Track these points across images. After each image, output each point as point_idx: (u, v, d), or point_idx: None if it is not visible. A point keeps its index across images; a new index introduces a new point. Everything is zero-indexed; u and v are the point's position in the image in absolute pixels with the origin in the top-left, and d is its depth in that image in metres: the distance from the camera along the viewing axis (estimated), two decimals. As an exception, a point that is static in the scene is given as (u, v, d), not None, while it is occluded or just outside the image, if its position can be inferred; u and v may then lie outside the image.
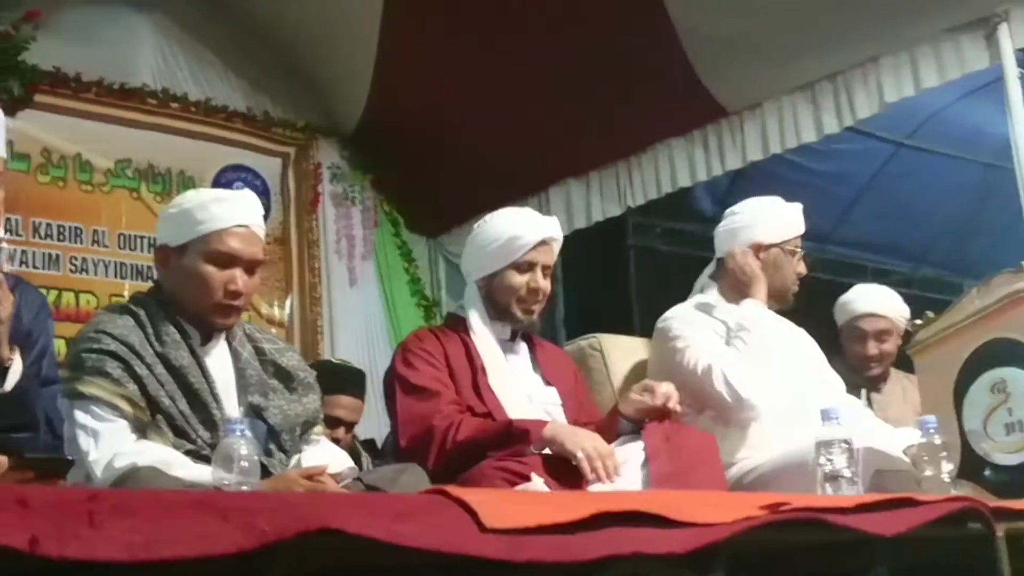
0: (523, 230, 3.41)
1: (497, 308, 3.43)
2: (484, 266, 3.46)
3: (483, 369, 3.35)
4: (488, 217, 3.54)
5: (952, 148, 8.89)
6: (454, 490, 1.48)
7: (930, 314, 3.70)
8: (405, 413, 3.29)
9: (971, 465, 3.33)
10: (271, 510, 1.25)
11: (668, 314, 3.90)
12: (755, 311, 3.76)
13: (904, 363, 4.47)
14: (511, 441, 3.09)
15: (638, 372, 3.95)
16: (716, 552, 1.63)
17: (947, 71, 5.62)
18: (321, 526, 1.27)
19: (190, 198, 3.05)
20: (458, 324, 3.49)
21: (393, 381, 3.39)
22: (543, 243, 3.42)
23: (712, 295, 3.94)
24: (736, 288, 3.86)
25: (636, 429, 3.23)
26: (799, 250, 3.98)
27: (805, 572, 2.12)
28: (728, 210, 4.11)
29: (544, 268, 3.42)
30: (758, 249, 3.87)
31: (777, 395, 3.63)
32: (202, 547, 1.20)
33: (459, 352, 3.38)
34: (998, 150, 7.98)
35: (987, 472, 3.30)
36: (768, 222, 3.93)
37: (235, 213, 2.95)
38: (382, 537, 1.31)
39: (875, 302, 4.85)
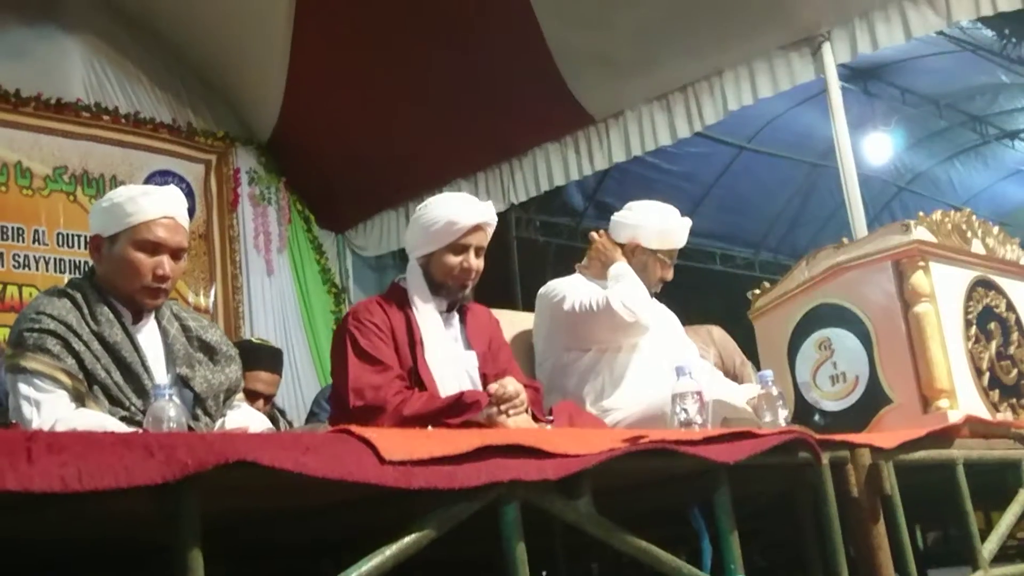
0: (459, 215, 3.32)
1: (433, 284, 3.35)
2: (423, 245, 3.37)
3: (421, 342, 3.27)
4: (429, 200, 3.45)
5: (785, 150, 9.10)
6: (356, 429, 1.47)
7: (766, 284, 3.77)
8: (357, 380, 3.16)
9: (803, 411, 3.40)
10: (191, 446, 1.23)
11: (548, 284, 3.91)
12: (623, 269, 3.79)
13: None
14: (461, 412, 3.02)
15: (518, 336, 3.97)
16: (583, 479, 1.65)
17: (780, 82, 5.75)
18: (237, 458, 1.25)
19: (120, 192, 2.99)
20: (401, 296, 3.38)
21: (345, 340, 3.26)
22: (477, 227, 3.34)
23: (577, 277, 3.96)
24: (600, 268, 3.88)
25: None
26: (671, 261, 3.94)
27: (661, 498, 2.16)
28: (628, 203, 4.05)
29: (477, 249, 3.35)
30: (635, 249, 3.88)
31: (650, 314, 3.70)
32: (130, 478, 1.18)
33: (401, 324, 3.30)
34: (822, 152, 8.22)
35: (816, 417, 3.38)
36: (651, 229, 3.89)
37: (161, 205, 2.90)
38: (291, 467, 1.30)
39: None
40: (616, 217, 4.00)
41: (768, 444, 1.98)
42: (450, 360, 3.31)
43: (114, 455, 1.19)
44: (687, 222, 3.97)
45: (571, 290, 3.77)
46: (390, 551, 1.42)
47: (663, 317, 4.05)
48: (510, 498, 1.55)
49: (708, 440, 1.89)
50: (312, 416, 4.86)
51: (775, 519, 2.66)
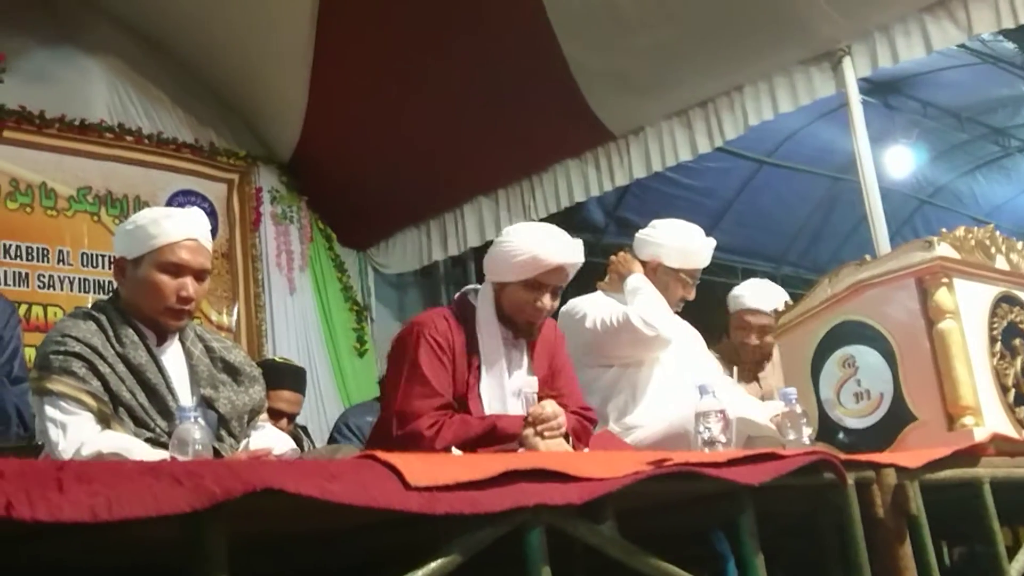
0: (546, 252, 3.13)
1: (502, 313, 3.22)
2: (500, 273, 3.21)
3: (479, 369, 3.18)
4: (516, 229, 3.30)
5: (806, 164, 9.08)
6: (381, 454, 1.48)
7: (789, 302, 3.76)
8: (403, 402, 3.08)
9: (827, 429, 3.38)
10: (219, 474, 1.24)
11: (568, 303, 3.91)
12: (640, 280, 3.79)
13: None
14: (495, 442, 2.97)
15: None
16: (607, 503, 1.65)
17: (800, 97, 5.75)
18: (264, 486, 1.26)
19: (144, 215, 3.01)
20: (469, 314, 3.26)
21: (405, 354, 3.17)
22: (560, 267, 3.15)
23: (598, 295, 3.96)
24: (619, 282, 3.88)
25: None
26: (693, 281, 3.93)
27: (684, 519, 2.16)
28: (652, 222, 4.05)
29: (554, 290, 3.19)
30: (656, 267, 3.88)
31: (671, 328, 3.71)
32: (158, 507, 1.18)
33: (463, 345, 3.18)
34: (842, 165, 8.19)
35: (840, 435, 3.35)
36: (674, 248, 3.88)
37: (184, 227, 2.92)
38: (316, 495, 1.30)
39: (761, 299, 4.51)
40: (640, 235, 4.01)
41: (793, 465, 1.98)
42: (505, 388, 3.21)
43: (143, 484, 1.20)
44: (711, 242, 3.97)
45: (592, 307, 3.78)
46: (415, 577, 1.43)
47: (685, 334, 4.05)
48: (535, 523, 1.56)
49: (732, 462, 1.89)
50: (332, 441, 4.84)
51: (798, 539, 2.65)
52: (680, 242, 3.92)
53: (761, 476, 1.88)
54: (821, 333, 3.47)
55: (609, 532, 1.66)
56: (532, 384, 3.19)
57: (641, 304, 3.69)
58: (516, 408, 3.18)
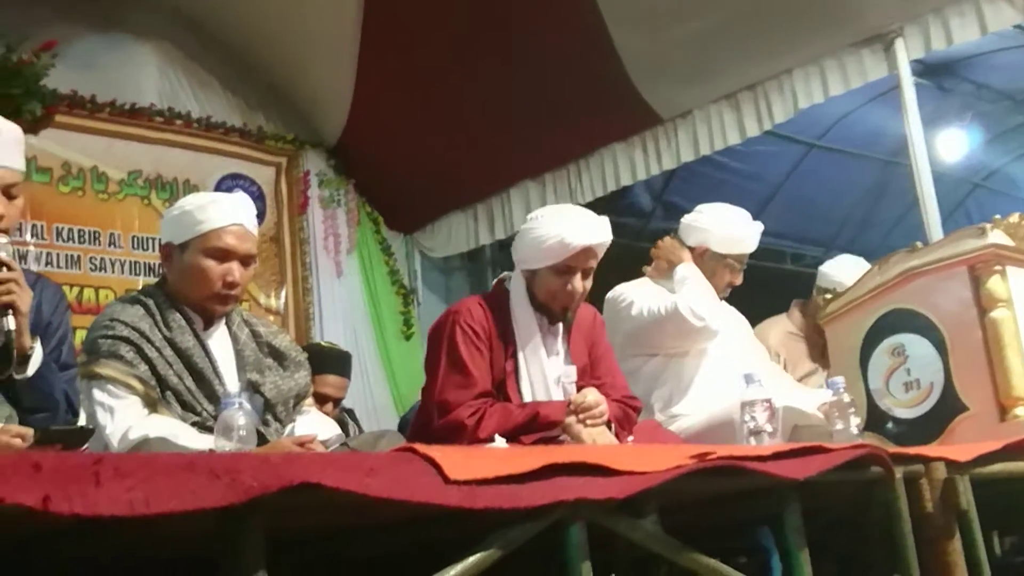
0: (572, 234, 3.09)
1: (535, 300, 3.20)
2: (528, 260, 3.19)
3: (515, 357, 3.16)
4: (542, 212, 3.28)
5: (855, 148, 8.94)
6: (420, 447, 1.47)
7: (838, 289, 3.71)
8: (442, 392, 3.08)
9: (875, 419, 3.35)
10: (256, 468, 1.23)
11: (615, 289, 3.87)
12: (689, 269, 3.74)
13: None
14: (537, 430, 2.96)
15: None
16: (649, 497, 1.63)
17: (851, 80, 5.66)
18: (301, 481, 1.25)
19: (190, 201, 3.03)
20: (504, 300, 3.23)
21: (442, 344, 3.15)
22: (586, 249, 3.12)
23: (644, 281, 3.92)
24: (666, 269, 3.84)
25: None
26: (740, 266, 3.87)
27: (728, 513, 2.13)
28: (698, 207, 4.00)
29: (585, 271, 3.16)
30: (703, 253, 3.83)
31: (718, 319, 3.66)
32: (195, 501, 1.18)
33: (499, 332, 3.17)
34: (894, 149, 8.06)
35: (889, 425, 3.32)
36: (722, 234, 3.83)
37: (230, 213, 2.93)
38: (355, 489, 1.29)
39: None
40: (686, 220, 3.96)
41: (839, 460, 1.94)
42: (546, 375, 3.20)
43: (180, 479, 1.19)
44: (758, 227, 3.91)
45: (638, 295, 3.74)
46: (454, 571, 1.41)
47: (732, 321, 4.00)
48: (575, 517, 1.53)
49: (777, 456, 1.85)
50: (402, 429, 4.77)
51: (845, 531, 2.61)
52: (727, 227, 3.86)
53: (807, 471, 1.84)
54: (870, 322, 3.43)
55: (651, 527, 1.64)
56: (570, 373, 3.20)
57: (689, 294, 3.64)
58: (557, 395, 3.16)
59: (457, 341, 3.12)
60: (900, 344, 3.33)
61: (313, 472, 1.27)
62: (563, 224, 3.13)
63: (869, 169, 9.27)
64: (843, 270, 4.39)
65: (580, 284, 3.15)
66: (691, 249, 3.87)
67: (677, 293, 3.68)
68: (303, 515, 1.42)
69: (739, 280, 3.90)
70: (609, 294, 3.85)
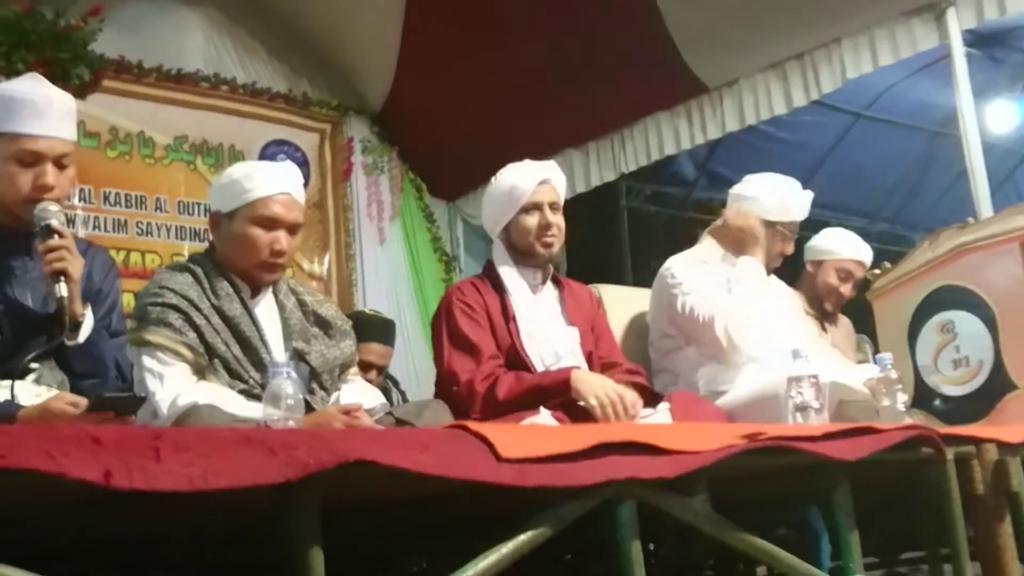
0: (522, 177, 3.35)
1: (521, 252, 3.34)
2: (499, 219, 3.38)
3: (515, 319, 3.26)
4: (492, 178, 3.46)
5: (903, 118, 8.83)
6: (473, 425, 1.47)
7: (887, 264, 3.67)
8: (450, 365, 3.19)
9: (922, 396, 3.32)
10: (312, 445, 1.24)
11: (670, 263, 3.80)
12: (752, 268, 3.69)
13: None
14: (549, 396, 3.02)
15: (634, 319, 3.92)
16: (699, 476, 1.62)
17: (901, 50, 5.57)
18: (357, 458, 1.26)
19: (237, 169, 3.04)
20: (493, 275, 3.39)
21: (442, 324, 3.29)
22: (543, 183, 3.34)
23: (711, 247, 3.87)
24: (736, 244, 3.78)
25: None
26: (791, 234, 3.82)
27: (777, 491, 2.12)
28: (747, 176, 3.95)
29: (551, 205, 3.33)
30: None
31: (760, 344, 3.57)
32: (253, 477, 1.19)
33: (495, 303, 3.29)
34: (942, 120, 7.95)
35: (936, 402, 3.29)
36: (772, 202, 3.77)
37: (277, 182, 2.94)
38: (409, 467, 1.30)
39: (865, 253, 4.17)
40: (734, 190, 3.91)
41: (890, 441, 1.92)
42: (548, 335, 3.29)
43: (237, 454, 1.20)
44: (807, 195, 3.85)
45: (688, 282, 3.65)
46: (506, 549, 1.41)
47: (781, 295, 3.96)
48: (625, 496, 1.53)
49: (828, 436, 1.84)
50: None
51: (896, 511, 2.59)
52: (777, 195, 3.80)
53: (857, 451, 1.83)
54: (919, 298, 3.40)
55: (701, 507, 1.64)
56: (572, 334, 3.32)
57: (732, 309, 3.56)
58: (565, 357, 3.24)
59: (455, 317, 3.24)
60: (949, 321, 3.30)
61: (368, 449, 1.27)
62: (513, 172, 3.38)
63: (916, 140, 9.17)
64: (834, 240, 4.26)
65: (553, 217, 3.31)
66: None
67: (721, 302, 3.59)
68: (356, 489, 1.42)
69: (790, 249, 3.84)
70: (663, 267, 3.80)
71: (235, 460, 1.20)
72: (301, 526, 1.26)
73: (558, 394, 3.02)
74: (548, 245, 3.33)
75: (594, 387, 3.00)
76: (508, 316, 3.27)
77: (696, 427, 2.40)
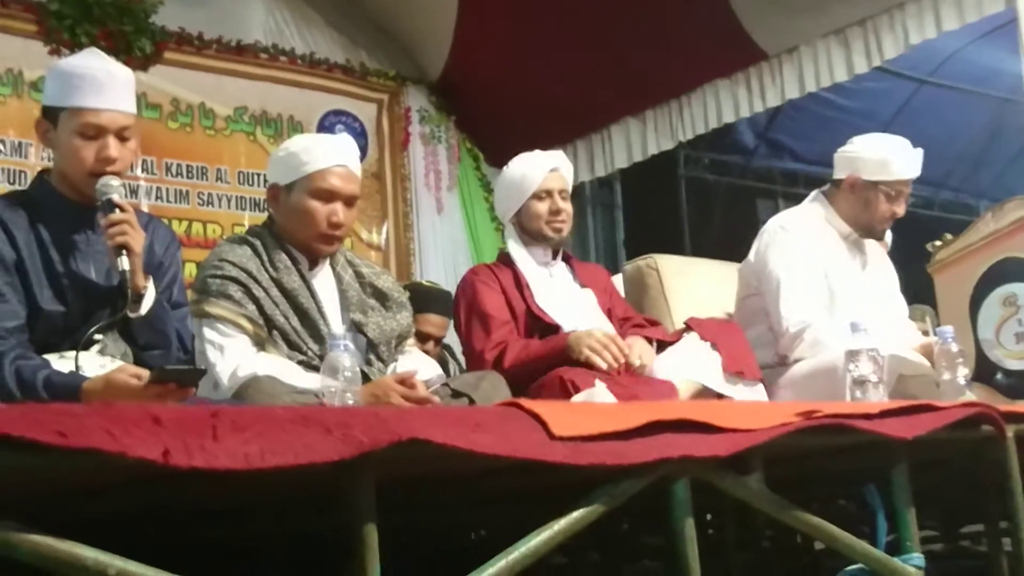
0: (531, 166, 3.50)
1: (532, 235, 3.50)
2: (511, 205, 3.53)
3: (528, 287, 3.41)
4: (504, 168, 3.62)
5: (969, 85, 8.65)
6: (526, 403, 1.47)
7: (948, 236, 3.60)
8: (469, 339, 3.39)
9: (984, 370, 3.26)
10: (367, 424, 1.25)
11: (782, 222, 3.74)
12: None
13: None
14: (553, 363, 3.11)
15: (691, 289, 3.90)
16: (754, 454, 1.61)
17: (967, 14, 5.45)
18: (411, 436, 1.26)
19: (296, 142, 3.07)
20: (506, 258, 3.57)
21: (460, 308, 3.47)
22: (552, 171, 3.49)
23: (826, 208, 3.76)
24: (856, 220, 3.72)
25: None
26: (898, 194, 3.68)
27: (832, 469, 2.10)
28: (854, 137, 3.81)
29: (560, 192, 3.49)
30: (854, 183, 3.65)
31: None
32: (309, 456, 1.20)
33: (509, 279, 3.44)
34: (1010, 87, 7.78)
35: (998, 376, 3.24)
36: (872, 159, 3.65)
37: (335, 154, 2.97)
38: (463, 446, 1.30)
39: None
40: (838, 153, 3.79)
41: (949, 419, 1.90)
42: (562, 299, 3.43)
43: (293, 433, 1.21)
44: (917, 152, 3.71)
45: (791, 266, 3.58)
46: (559, 526, 1.42)
47: (881, 268, 3.81)
48: (680, 475, 1.53)
49: (885, 414, 1.82)
50: None
51: (959, 485, 2.56)
52: (879, 152, 3.66)
53: (915, 430, 1.81)
54: (982, 269, 3.34)
55: (756, 485, 1.63)
56: (588, 296, 3.51)
57: (823, 327, 3.48)
58: (585, 317, 3.38)
59: (472, 293, 3.42)
60: (1013, 294, 3.24)
61: (422, 428, 1.28)
62: (524, 161, 3.54)
63: (982, 107, 8.98)
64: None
65: (562, 204, 3.48)
66: (841, 180, 3.71)
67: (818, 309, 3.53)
68: (411, 466, 1.44)
69: (901, 210, 3.69)
70: (774, 224, 3.71)
71: (291, 438, 1.21)
72: (356, 503, 1.28)
73: (560, 359, 3.11)
74: (558, 230, 3.49)
75: (582, 342, 3.10)
76: (521, 285, 3.43)
77: (751, 405, 2.39)
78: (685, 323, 3.37)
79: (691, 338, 3.25)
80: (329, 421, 1.25)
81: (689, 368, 3.12)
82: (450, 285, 5.46)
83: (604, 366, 3.04)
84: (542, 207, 3.45)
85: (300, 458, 1.19)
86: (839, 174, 3.68)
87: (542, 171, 3.48)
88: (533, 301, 3.38)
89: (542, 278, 3.48)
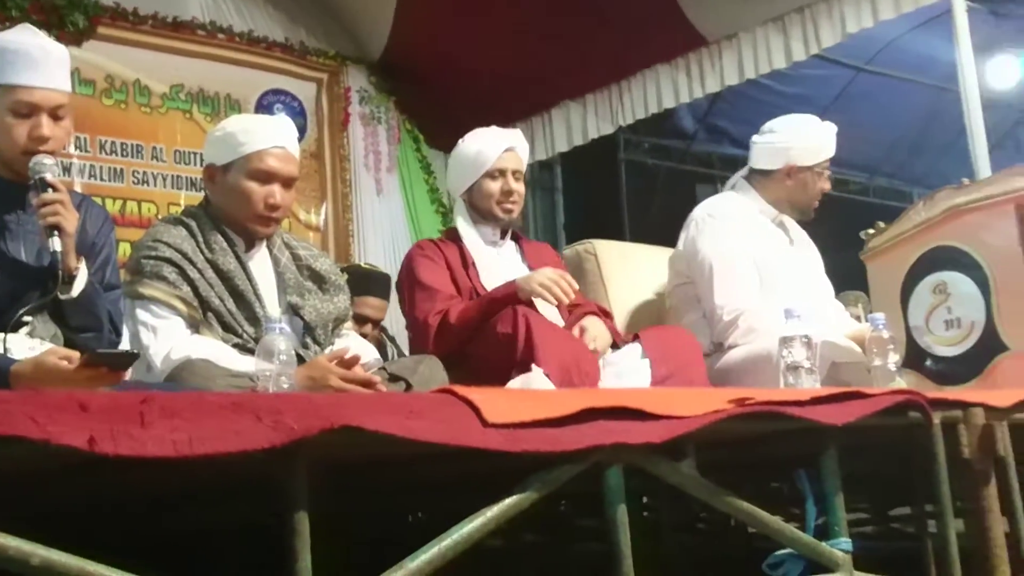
0: (488, 143, 3.46)
1: (482, 214, 3.47)
2: (463, 181, 3.50)
3: (473, 265, 3.39)
4: (459, 141, 3.58)
5: (906, 73, 8.77)
6: (460, 389, 1.47)
7: (881, 224, 3.65)
8: (412, 312, 3.35)
9: (915, 356, 3.32)
10: (299, 410, 1.24)
11: (709, 210, 3.77)
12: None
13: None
14: (500, 308, 3.09)
15: (629, 274, 3.92)
16: (687, 441, 1.63)
17: (903, 4, 5.55)
18: (343, 423, 1.26)
19: (232, 122, 3.04)
20: (453, 234, 3.54)
21: (403, 283, 3.45)
22: (507, 151, 3.46)
23: (749, 194, 3.81)
24: (791, 203, 3.77)
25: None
26: (826, 171, 3.77)
27: (766, 454, 2.13)
28: (768, 124, 3.84)
29: (514, 172, 3.46)
30: (791, 170, 3.70)
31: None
32: (239, 443, 1.19)
33: (455, 256, 3.42)
34: (945, 75, 7.89)
35: (928, 362, 3.29)
36: (804, 146, 3.72)
37: (273, 135, 2.94)
38: (396, 432, 1.30)
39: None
40: (761, 141, 3.80)
41: (878, 406, 1.93)
42: (509, 278, 3.32)
43: (224, 420, 1.20)
44: (832, 128, 3.81)
45: (721, 254, 3.60)
46: (491, 512, 1.42)
47: (806, 252, 3.87)
48: (613, 461, 1.54)
49: (816, 401, 1.85)
50: None
51: (888, 469, 2.61)
52: (808, 138, 3.75)
53: (845, 416, 1.84)
54: (913, 258, 3.39)
55: (688, 471, 1.65)
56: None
57: (757, 316, 3.50)
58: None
59: (416, 268, 3.38)
60: (943, 282, 3.29)
61: (355, 415, 1.28)
62: (480, 137, 3.50)
63: (918, 95, 9.11)
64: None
65: (515, 184, 3.46)
66: (775, 171, 3.75)
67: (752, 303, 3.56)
68: (345, 452, 1.43)
69: (828, 185, 3.80)
70: (702, 212, 3.74)
71: (222, 426, 1.20)
72: (288, 491, 1.27)
73: (510, 300, 3.10)
74: (508, 211, 3.47)
75: (532, 279, 3.11)
76: (467, 263, 3.40)
77: (684, 392, 2.41)
78: (635, 335, 3.31)
79: (631, 350, 3.24)
80: (261, 408, 1.24)
81: (619, 382, 3.12)
82: (390, 267, 5.45)
83: (554, 301, 3.07)
84: (494, 186, 3.43)
85: (230, 446, 1.18)
86: (771, 164, 3.72)
87: (497, 150, 3.44)
88: (478, 280, 3.36)
89: (489, 257, 3.45)
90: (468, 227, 3.48)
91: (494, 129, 3.56)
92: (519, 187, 3.48)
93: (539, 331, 2.94)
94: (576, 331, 3.20)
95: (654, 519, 2.99)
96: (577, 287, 3.14)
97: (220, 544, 2.10)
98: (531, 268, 3.46)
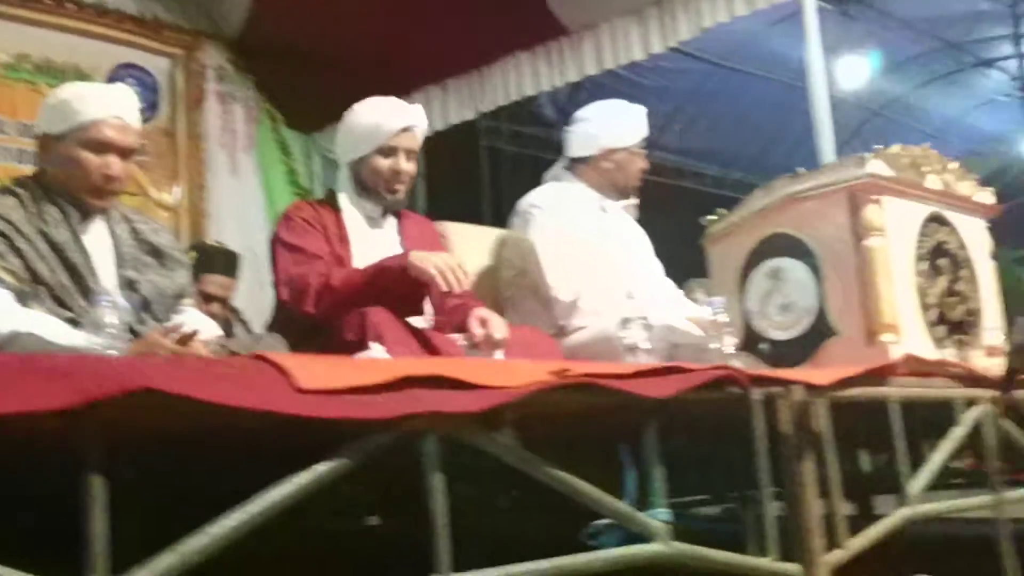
0: (387, 117, 3.29)
1: (365, 188, 3.32)
2: (353, 149, 3.33)
3: (348, 242, 3.25)
4: (357, 105, 3.38)
5: (761, 69, 9.02)
6: (272, 355, 1.46)
7: (723, 211, 3.74)
8: (285, 271, 3.17)
9: (750, 340, 3.41)
10: (96, 372, 1.21)
11: (533, 200, 3.84)
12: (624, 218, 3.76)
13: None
14: (390, 282, 2.99)
15: (481, 258, 3.92)
16: (504, 411, 1.64)
17: (756, 1, 5.66)
18: (143, 386, 1.23)
19: (67, 90, 2.96)
20: (332, 200, 3.38)
21: (275, 244, 3.28)
22: (405, 129, 3.30)
23: (572, 182, 3.91)
24: (613, 186, 3.86)
25: None
26: (642, 149, 3.94)
27: (589, 429, 2.16)
28: (579, 113, 4.02)
29: (408, 152, 3.30)
30: (608, 153, 3.86)
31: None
32: (31, 403, 1.16)
33: (331, 222, 3.28)
34: (799, 72, 8.13)
35: (762, 345, 3.38)
36: (617, 129, 3.89)
37: (110, 105, 2.87)
38: (199, 396, 1.28)
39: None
40: (576, 130, 3.95)
41: (697, 381, 1.98)
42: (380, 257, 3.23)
43: (21, 381, 1.17)
44: (643, 109, 3.98)
45: (551, 240, 3.67)
46: (302, 480, 1.41)
47: (633, 235, 4.01)
48: (428, 430, 1.54)
49: (637, 375, 1.89)
50: None
51: (713, 444, 2.69)
52: (620, 121, 3.92)
53: (665, 390, 1.88)
54: (752, 244, 3.47)
55: (506, 441, 1.66)
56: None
57: (597, 296, 3.56)
58: None
59: (286, 233, 3.23)
60: (778, 267, 3.38)
61: (156, 378, 1.25)
62: (379, 109, 3.32)
63: (773, 91, 9.37)
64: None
65: (406, 165, 3.31)
66: (592, 157, 3.88)
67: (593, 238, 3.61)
68: (148, 419, 1.40)
69: (646, 163, 3.96)
70: (524, 206, 3.82)
71: (18, 387, 1.17)
72: (84, 455, 1.24)
73: (396, 277, 2.99)
74: (394, 191, 3.33)
75: (428, 260, 2.96)
76: (343, 239, 3.26)
77: (505, 363, 2.44)
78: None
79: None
80: (59, 370, 1.21)
81: None
82: (245, 247, 5.36)
83: (445, 288, 2.92)
84: (384, 164, 3.28)
85: (24, 406, 1.15)
86: (587, 150, 3.88)
87: (395, 127, 3.27)
88: (350, 261, 3.23)
89: (365, 235, 3.31)
90: (348, 201, 3.33)
91: (394, 102, 3.37)
92: (410, 167, 3.33)
93: (390, 335, 2.84)
94: (475, 323, 3.05)
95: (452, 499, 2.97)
96: (469, 279, 3.02)
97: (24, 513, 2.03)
98: (406, 248, 3.32)
